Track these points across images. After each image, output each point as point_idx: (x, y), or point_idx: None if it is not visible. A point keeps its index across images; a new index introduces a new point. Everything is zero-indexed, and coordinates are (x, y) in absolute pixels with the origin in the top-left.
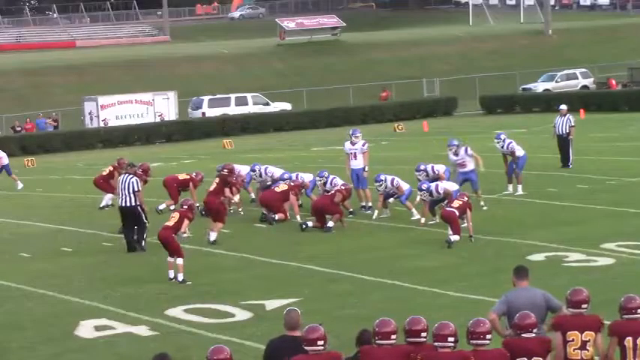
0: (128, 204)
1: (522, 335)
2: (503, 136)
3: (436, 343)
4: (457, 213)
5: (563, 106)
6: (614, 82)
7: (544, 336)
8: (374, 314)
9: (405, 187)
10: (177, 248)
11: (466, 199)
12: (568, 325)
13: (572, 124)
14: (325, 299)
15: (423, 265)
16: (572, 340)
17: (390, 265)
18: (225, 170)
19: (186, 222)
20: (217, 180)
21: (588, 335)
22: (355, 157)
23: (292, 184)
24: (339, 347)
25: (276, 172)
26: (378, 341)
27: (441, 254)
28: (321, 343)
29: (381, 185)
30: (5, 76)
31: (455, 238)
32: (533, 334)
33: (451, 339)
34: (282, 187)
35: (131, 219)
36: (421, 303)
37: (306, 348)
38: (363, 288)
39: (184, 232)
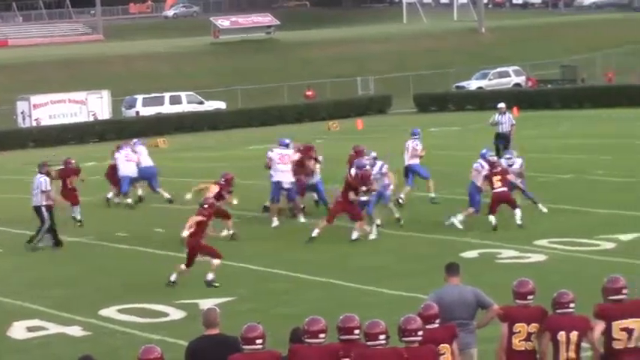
0: (36, 203)
1: (427, 326)
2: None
3: (368, 342)
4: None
5: (502, 104)
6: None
7: (448, 325)
8: (307, 313)
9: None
10: (211, 250)
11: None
12: (515, 317)
13: (513, 122)
14: (260, 298)
15: (358, 264)
16: (519, 332)
17: (327, 264)
18: (223, 180)
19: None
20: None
21: (534, 327)
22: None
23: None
24: (273, 346)
25: None
26: (307, 340)
27: (375, 253)
28: (259, 341)
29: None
30: None
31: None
32: (437, 324)
33: (382, 336)
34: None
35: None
36: (355, 301)
37: (244, 347)
38: (298, 286)
39: (215, 232)
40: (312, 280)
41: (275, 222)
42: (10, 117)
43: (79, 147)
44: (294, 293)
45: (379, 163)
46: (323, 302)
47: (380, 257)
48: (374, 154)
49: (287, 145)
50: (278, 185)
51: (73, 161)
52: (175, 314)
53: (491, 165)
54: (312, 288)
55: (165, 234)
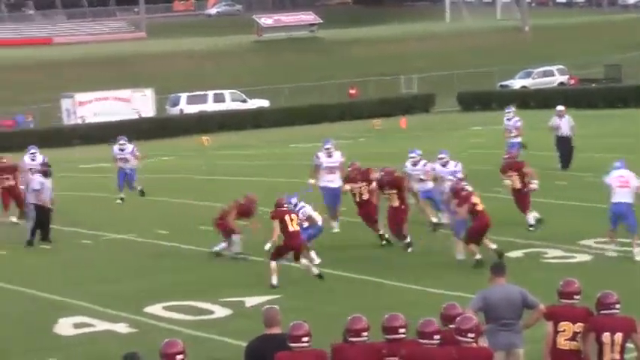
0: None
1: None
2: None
3: (421, 340)
4: None
5: (561, 107)
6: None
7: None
8: (352, 311)
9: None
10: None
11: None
12: (560, 316)
13: (573, 124)
14: (306, 296)
15: (401, 262)
16: (564, 331)
17: (371, 262)
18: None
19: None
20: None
21: (579, 327)
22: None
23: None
24: (318, 345)
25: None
26: (350, 338)
27: (420, 252)
28: (306, 339)
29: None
30: None
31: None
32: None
33: (437, 336)
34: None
35: None
36: (399, 300)
37: (290, 345)
38: (343, 285)
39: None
40: (357, 279)
41: (336, 228)
42: (55, 114)
43: None
44: (340, 292)
45: (423, 162)
46: (367, 300)
47: (424, 256)
48: (419, 151)
49: (330, 151)
50: (325, 190)
51: (5, 160)
52: (221, 312)
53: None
54: (357, 286)
55: (209, 231)
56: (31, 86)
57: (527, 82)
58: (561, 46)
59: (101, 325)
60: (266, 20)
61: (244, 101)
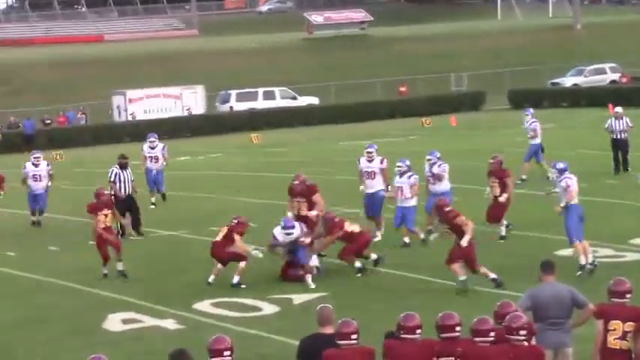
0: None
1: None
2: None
3: (476, 339)
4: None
5: (619, 109)
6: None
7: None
8: (401, 309)
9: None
10: (234, 255)
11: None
12: (611, 315)
13: (631, 125)
14: (353, 294)
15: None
16: (614, 330)
17: (420, 261)
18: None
19: (237, 238)
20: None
21: (630, 326)
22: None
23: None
24: (366, 343)
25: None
26: (403, 335)
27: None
28: (354, 337)
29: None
30: (34, 69)
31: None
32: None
33: (492, 334)
34: None
35: None
36: (448, 298)
37: (339, 342)
38: (391, 283)
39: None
40: (405, 277)
41: (378, 236)
42: (106, 111)
43: (172, 141)
44: (388, 290)
45: (438, 164)
46: (417, 299)
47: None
48: (437, 153)
49: (372, 156)
50: (365, 197)
51: None
52: (268, 309)
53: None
54: (406, 284)
55: (257, 229)
56: (83, 83)
57: (579, 80)
58: (613, 43)
59: (149, 321)
60: (316, 18)
61: (294, 98)
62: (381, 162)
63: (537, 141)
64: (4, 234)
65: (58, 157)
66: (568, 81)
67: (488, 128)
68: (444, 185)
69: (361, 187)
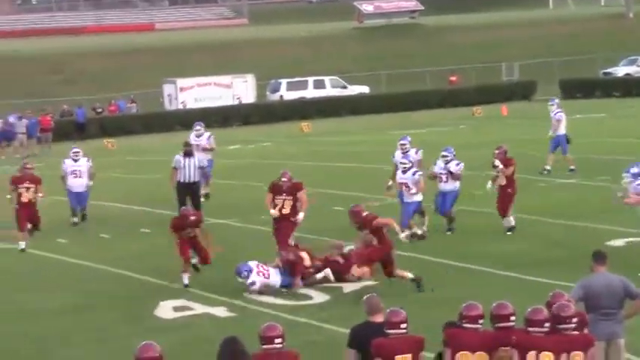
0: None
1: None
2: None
3: (530, 329)
4: None
5: None
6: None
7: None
8: (448, 299)
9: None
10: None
11: None
12: None
13: None
14: (400, 283)
15: (497, 250)
16: None
17: (467, 250)
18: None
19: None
20: None
21: None
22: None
23: None
24: (414, 331)
25: None
26: (465, 324)
27: (519, 239)
28: (404, 326)
29: None
30: (85, 58)
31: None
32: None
33: (547, 324)
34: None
35: None
36: (497, 287)
37: (388, 331)
38: (437, 272)
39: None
40: (453, 265)
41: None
42: (157, 100)
43: (222, 130)
44: (435, 279)
45: (456, 162)
46: (465, 288)
47: (523, 244)
48: (453, 150)
49: (406, 148)
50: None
51: (30, 166)
52: (319, 297)
53: None
54: (453, 273)
55: (307, 217)
56: (134, 72)
57: (631, 70)
58: None
59: (201, 309)
60: (367, 7)
61: (344, 87)
62: (416, 152)
63: (562, 131)
64: (55, 221)
65: (110, 145)
66: (620, 70)
67: (539, 118)
68: (456, 184)
69: (390, 182)
